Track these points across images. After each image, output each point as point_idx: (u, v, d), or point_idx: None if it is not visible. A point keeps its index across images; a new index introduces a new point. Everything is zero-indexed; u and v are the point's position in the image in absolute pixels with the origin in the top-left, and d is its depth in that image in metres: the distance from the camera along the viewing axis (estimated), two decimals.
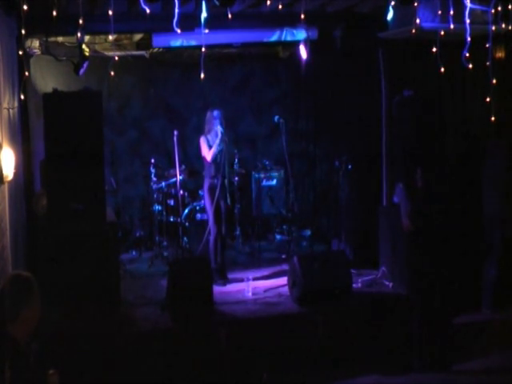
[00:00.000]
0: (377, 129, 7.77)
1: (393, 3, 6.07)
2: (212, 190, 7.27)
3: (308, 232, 9.26)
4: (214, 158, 7.24)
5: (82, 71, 6.24)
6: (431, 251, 6.07)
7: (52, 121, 5.84)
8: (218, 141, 7.17)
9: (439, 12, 6.15)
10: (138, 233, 9.01)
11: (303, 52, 6.57)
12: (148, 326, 6.08)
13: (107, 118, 8.08)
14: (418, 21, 6.20)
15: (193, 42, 7.26)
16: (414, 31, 6.24)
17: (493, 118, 6.14)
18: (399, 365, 6.06)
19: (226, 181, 7.36)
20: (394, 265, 7.03)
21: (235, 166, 8.75)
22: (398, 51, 7.47)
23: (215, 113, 7.26)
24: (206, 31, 5.36)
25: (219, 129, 7.16)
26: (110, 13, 4.98)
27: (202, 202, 8.02)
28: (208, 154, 7.25)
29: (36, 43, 7.27)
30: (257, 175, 9.11)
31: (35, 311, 3.16)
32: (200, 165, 7.79)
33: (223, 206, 7.43)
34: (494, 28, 6.03)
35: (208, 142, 7.28)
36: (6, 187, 5.30)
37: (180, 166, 7.84)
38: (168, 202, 8.49)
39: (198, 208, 8.32)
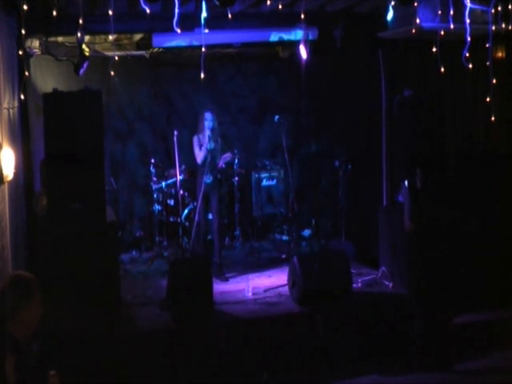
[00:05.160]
0: (377, 129, 7.77)
1: (393, 3, 6.08)
2: (203, 186, 7.40)
3: (308, 232, 9.26)
4: (204, 159, 7.38)
5: (81, 71, 6.23)
6: (431, 251, 6.07)
7: (52, 121, 5.83)
8: (205, 143, 7.29)
9: (439, 12, 6.15)
10: (138, 233, 9.01)
11: (303, 52, 6.56)
12: (148, 326, 6.09)
13: (107, 118, 8.08)
14: (418, 21, 6.20)
15: (193, 42, 7.26)
16: (414, 31, 6.25)
17: (493, 118, 6.14)
18: (399, 365, 6.06)
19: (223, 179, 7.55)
20: (393, 265, 7.03)
21: (235, 166, 8.76)
22: (398, 51, 7.48)
23: (206, 114, 7.45)
24: (206, 31, 5.36)
25: (207, 131, 7.28)
26: (110, 13, 4.98)
27: None
28: (198, 155, 7.46)
29: (36, 43, 7.27)
30: (257, 175, 9.11)
31: (35, 312, 3.16)
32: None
33: (215, 202, 7.55)
34: (494, 28, 6.03)
35: (199, 141, 7.48)
36: (5, 187, 5.30)
37: (180, 165, 7.86)
38: (168, 201, 8.49)
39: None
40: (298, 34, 7.46)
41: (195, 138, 7.50)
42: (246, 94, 9.65)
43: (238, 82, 9.61)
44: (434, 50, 5.93)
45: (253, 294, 6.84)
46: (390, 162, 7.65)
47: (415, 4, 6.10)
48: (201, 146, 7.44)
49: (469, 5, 5.87)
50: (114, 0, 5.06)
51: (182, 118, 9.27)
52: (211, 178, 7.47)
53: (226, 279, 7.40)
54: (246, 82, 9.63)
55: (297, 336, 6.18)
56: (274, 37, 7.67)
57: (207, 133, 7.34)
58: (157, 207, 8.56)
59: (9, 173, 5.13)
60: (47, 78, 7.94)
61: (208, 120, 7.38)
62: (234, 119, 9.52)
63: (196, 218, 7.52)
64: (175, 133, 7.65)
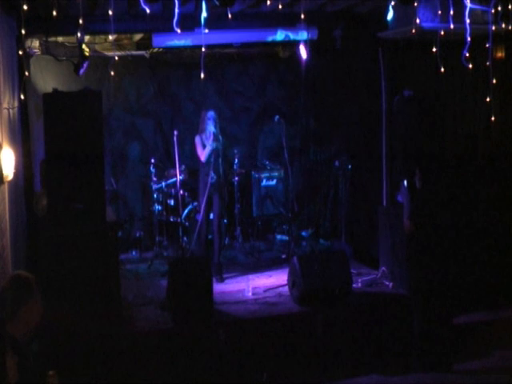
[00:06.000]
0: (377, 128, 7.77)
1: (393, 3, 6.08)
2: (205, 187, 7.40)
3: (308, 232, 9.26)
4: (208, 158, 7.37)
5: (81, 71, 6.23)
6: (431, 251, 6.07)
7: (52, 121, 5.82)
8: (210, 141, 7.29)
9: (439, 12, 6.15)
10: (138, 233, 9.00)
11: (303, 52, 6.56)
12: (148, 326, 6.09)
13: (106, 118, 8.08)
14: (418, 21, 6.20)
15: (193, 42, 7.26)
16: (413, 31, 6.25)
17: (493, 118, 6.15)
18: (399, 365, 6.06)
19: (222, 178, 7.56)
20: (394, 265, 7.03)
21: (235, 166, 8.76)
22: (397, 51, 7.48)
23: (209, 113, 7.40)
24: (206, 31, 5.37)
25: (211, 129, 7.28)
26: (110, 13, 4.99)
27: None
28: (201, 154, 7.44)
29: (36, 43, 7.27)
30: (257, 175, 9.10)
31: (34, 311, 3.16)
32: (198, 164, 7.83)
33: (217, 202, 7.54)
34: (494, 28, 6.03)
35: (202, 141, 7.46)
36: (5, 187, 5.30)
37: (180, 165, 7.85)
38: (168, 201, 8.48)
39: (197, 208, 8.32)
40: (303, 34, 7.45)
41: (197, 138, 7.48)
42: (246, 94, 9.64)
43: (239, 82, 9.60)
44: (434, 50, 5.94)
45: (253, 293, 6.85)
46: (390, 162, 7.65)
47: (415, 4, 6.10)
48: (204, 145, 7.42)
49: (469, 5, 5.87)
50: (114, 0, 5.07)
51: (182, 117, 9.26)
52: (215, 177, 7.46)
53: (222, 279, 7.39)
54: (247, 82, 9.62)
55: (297, 336, 6.18)
56: (281, 35, 7.66)
57: (211, 130, 7.32)
58: (157, 207, 8.56)
59: (9, 173, 5.14)
60: (47, 78, 7.94)
61: (210, 118, 7.37)
62: (235, 119, 9.51)
63: (200, 217, 7.51)
64: (175, 133, 7.64)
